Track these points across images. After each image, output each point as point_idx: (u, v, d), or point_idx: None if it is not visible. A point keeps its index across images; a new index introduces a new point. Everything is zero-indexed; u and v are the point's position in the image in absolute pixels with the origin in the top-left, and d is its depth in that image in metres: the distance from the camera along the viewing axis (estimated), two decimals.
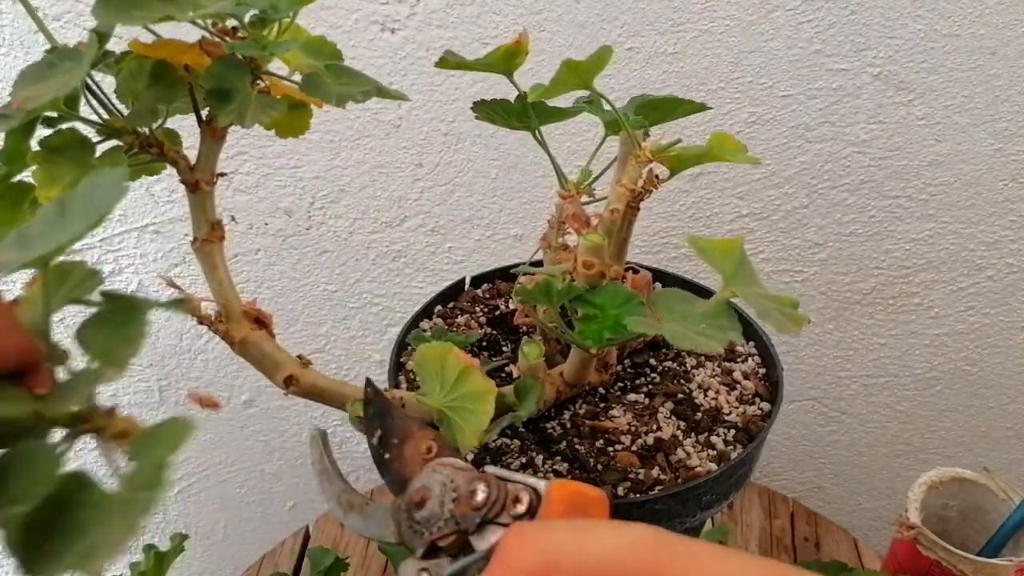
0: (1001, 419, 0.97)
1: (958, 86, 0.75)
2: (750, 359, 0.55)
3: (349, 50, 0.77)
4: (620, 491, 0.43)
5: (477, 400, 0.36)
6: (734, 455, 0.46)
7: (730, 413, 0.49)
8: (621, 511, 0.41)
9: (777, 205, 0.84)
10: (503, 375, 0.52)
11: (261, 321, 0.36)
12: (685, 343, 0.34)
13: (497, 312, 0.60)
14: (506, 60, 0.44)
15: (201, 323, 0.34)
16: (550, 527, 0.23)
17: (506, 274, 0.65)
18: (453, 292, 0.63)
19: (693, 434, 0.48)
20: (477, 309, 0.60)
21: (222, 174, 0.37)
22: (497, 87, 0.78)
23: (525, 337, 0.56)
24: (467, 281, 0.64)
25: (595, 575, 0.20)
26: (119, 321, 0.25)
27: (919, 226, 0.84)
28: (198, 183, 0.34)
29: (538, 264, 0.52)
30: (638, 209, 0.42)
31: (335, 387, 0.38)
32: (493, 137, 0.81)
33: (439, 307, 0.61)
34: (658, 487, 0.43)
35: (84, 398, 0.24)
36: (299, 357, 0.37)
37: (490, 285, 0.64)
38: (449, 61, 0.44)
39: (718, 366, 0.54)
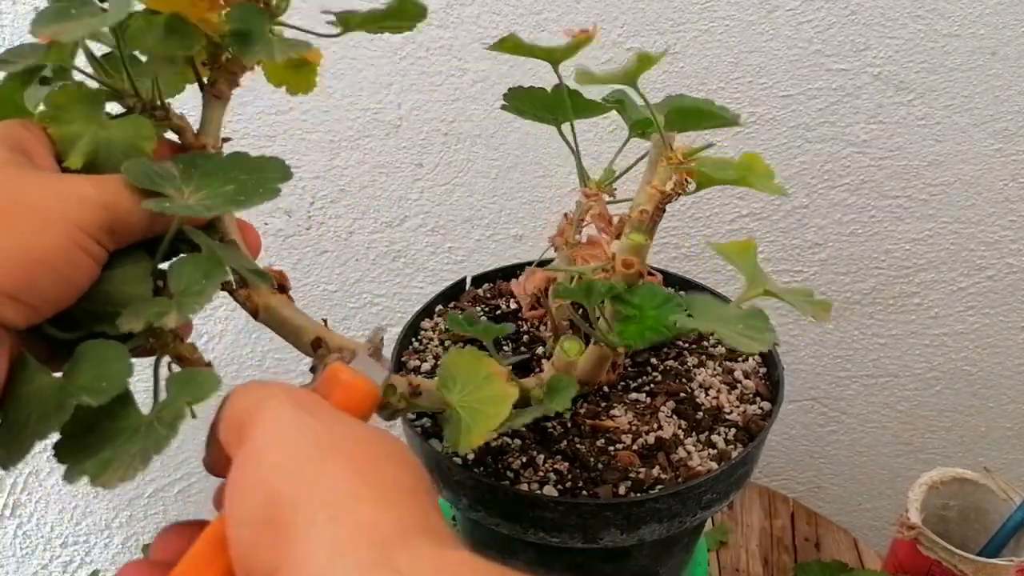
0: (1001, 419, 0.97)
1: (958, 86, 0.75)
2: (751, 358, 0.55)
3: (349, 50, 0.77)
4: (621, 490, 0.43)
5: (494, 403, 0.36)
6: (735, 454, 0.46)
7: (731, 412, 0.49)
8: (622, 510, 0.41)
9: (777, 205, 0.84)
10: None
11: (282, 285, 0.36)
12: (731, 342, 0.35)
13: (498, 311, 0.60)
14: (569, 51, 0.44)
15: (222, 289, 0.34)
16: (251, 387, 0.27)
17: (507, 274, 0.65)
18: (454, 292, 0.63)
19: (694, 433, 0.48)
20: (478, 308, 0.60)
21: (227, 139, 0.37)
22: (496, 88, 0.78)
23: (567, 332, 0.56)
24: (468, 281, 0.64)
25: (232, 417, 0.26)
26: (205, 266, 0.29)
27: (919, 226, 0.84)
28: (204, 148, 0.34)
29: (546, 262, 0.52)
30: (664, 210, 0.42)
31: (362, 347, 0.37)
32: (493, 137, 0.81)
33: (440, 306, 0.61)
34: (659, 486, 0.43)
35: (155, 315, 0.27)
36: (323, 321, 0.36)
37: (491, 285, 0.64)
38: (508, 44, 0.42)
39: (719, 365, 0.54)
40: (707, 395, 0.51)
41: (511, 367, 0.48)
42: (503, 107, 0.48)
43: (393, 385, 0.36)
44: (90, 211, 0.27)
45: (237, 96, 0.73)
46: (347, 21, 0.36)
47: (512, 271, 0.65)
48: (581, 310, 0.44)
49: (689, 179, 0.40)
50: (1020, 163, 0.79)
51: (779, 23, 0.73)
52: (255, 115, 0.77)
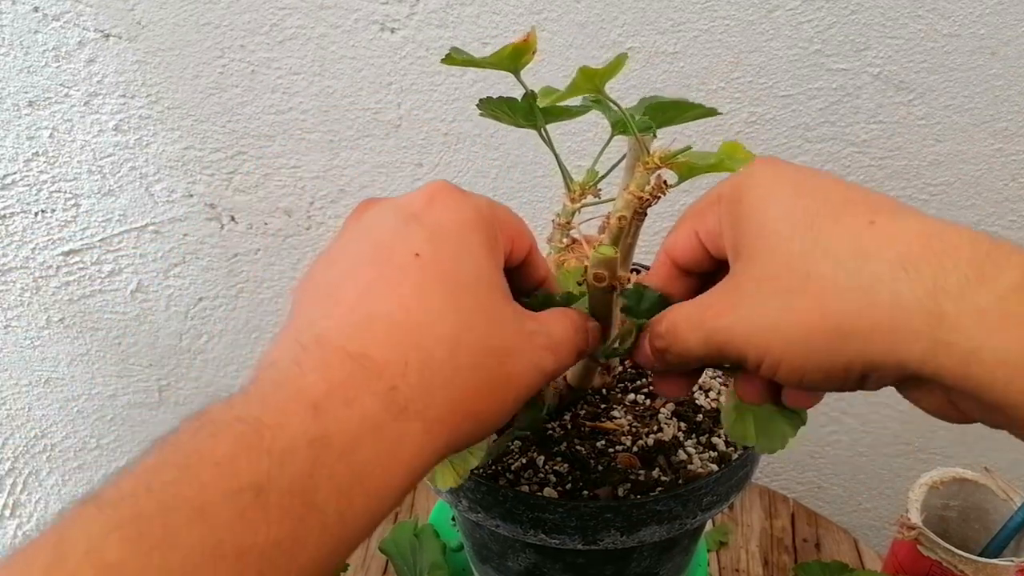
0: None
1: (958, 86, 0.75)
2: None
3: (349, 50, 0.77)
4: (621, 492, 0.43)
5: (472, 449, 0.36)
6: (735, 456, 0.46)
7: None
8: (622, 512, 0.41)
9: None
10: None
11: None
12: None
13: None
14: (514, 58, 0.43)
15: None
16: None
17: None
18: None
19: (694, 435, 0.48)
20: None
21: None
22: (496, 87, 0.78)
23: None
24: None
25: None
26: None
27: None
28: None
29: None
30: (645, 215, 0.42)
31: None
32: (493, 137, 0.81)
33: None
34: (659, 488, 0.43)
35: None
36: None
37: None
38: (455, 58, 0.43)
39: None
40: (707, 397, 0.51)
41: None
42: (480, 114, 0.47)
43: None
44: (551, 360, 0.31)
45: (237, 96, 0.73)
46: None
47: None
48: None
49: (668, 183, 0.39)
50: (1020, 163, 0.79)
51: (779, 23, 0.73)
52: (255, 115, 0.77)
